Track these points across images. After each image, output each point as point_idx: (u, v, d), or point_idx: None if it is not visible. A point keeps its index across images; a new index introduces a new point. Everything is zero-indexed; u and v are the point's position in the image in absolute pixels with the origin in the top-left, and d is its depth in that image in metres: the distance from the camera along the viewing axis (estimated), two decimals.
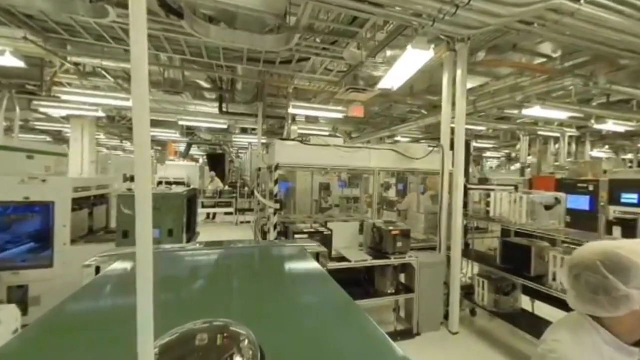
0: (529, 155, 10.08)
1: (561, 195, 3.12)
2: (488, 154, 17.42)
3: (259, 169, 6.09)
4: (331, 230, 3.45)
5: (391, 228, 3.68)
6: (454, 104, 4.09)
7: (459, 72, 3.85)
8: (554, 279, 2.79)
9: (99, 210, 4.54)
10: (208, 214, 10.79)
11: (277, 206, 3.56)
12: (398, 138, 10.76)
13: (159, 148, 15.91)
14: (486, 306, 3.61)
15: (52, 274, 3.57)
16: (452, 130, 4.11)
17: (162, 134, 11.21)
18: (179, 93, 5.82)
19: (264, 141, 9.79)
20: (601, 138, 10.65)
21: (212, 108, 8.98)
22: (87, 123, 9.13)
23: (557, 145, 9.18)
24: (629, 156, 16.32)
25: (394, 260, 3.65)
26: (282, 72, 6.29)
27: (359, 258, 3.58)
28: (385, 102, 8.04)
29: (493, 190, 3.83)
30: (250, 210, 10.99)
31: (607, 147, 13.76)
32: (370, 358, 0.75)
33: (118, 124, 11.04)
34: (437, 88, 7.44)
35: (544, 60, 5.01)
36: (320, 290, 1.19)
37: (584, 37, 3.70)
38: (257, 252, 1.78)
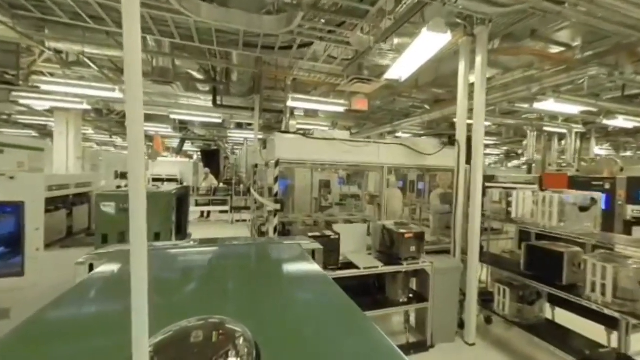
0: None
1: (597, 194, 2.80)
2: (487, 150, 17.22)
3: (256, 166, 5.70)
4: (338, 235, 3.09)
5: (403, 230, 3.34)
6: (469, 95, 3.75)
7: (478, 60, 3.49)
8: (593, 290, 2.48)
9: (80, 211, 4.12)
10: (202, 212, 10.36)
11: (278, 207, 3.18)
12: (399, 134, 10.42)
13: (150, 144, 15.39)
14: (507, 316, 3.30)
15: (24, 282, 3.17)
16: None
17: (153, 128, 10.72)
18: (169, 83, 5.38)
19: (260, 137, 9.41)
20: (606, 135, 10.43)
21: (206, 101, 8.54)
22: (72, 116, 8.61)
23: (563, 142, 8.92)
24: (628, 153, 16.24)
25: (406, 267, 3.31)
26: (281, 59, 5.89)
27: (369, 264, 3.23)
28: (389, 96, 7.68)
29: (514, 188, 3.50)
30: (247, 208, 10.60)
31: (608, 144, 13.62)
32: (363, 350, 0.76)
33: (107, 118, 10.51)
34: (444, 80, 7.10)
35: (562, 49, 4.68)
36: (315, 286, 1.19)
37: (613, 20, 3.38)
38: (253, 249, 1.74)
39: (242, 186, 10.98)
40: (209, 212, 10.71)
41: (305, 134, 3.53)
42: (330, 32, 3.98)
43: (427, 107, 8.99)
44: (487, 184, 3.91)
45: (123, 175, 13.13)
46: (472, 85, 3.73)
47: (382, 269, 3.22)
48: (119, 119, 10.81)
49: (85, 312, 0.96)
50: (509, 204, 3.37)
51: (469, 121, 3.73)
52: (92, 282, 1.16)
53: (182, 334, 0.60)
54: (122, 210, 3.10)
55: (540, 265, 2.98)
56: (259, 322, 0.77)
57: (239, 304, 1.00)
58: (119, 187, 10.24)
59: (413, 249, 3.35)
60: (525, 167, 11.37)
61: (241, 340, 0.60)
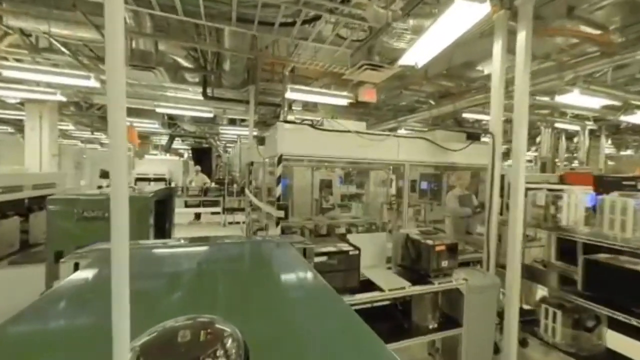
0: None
1: None
2: None
3: (251, 164, 5.04)
4: (358, 250, 2.47)
5: (433, 242, 2.75)
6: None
7: (520, 36, 2.92)
8: None
9: (39, 218, 3.42)
10: (196, 214, 9.65)
11: (281, 214, 2.56)
12: (402, 131, 9.87)
13: (138, 141, 14.54)
14: (559, 344, 2.74)
15: None
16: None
17: (139, 124, 9.95)
18: (151, 68, 4.69)
19: (255, 133, 8.74)
20: (615, 132, 10.06)
21: (195, 94, 7.84)
22: (46, 109, 7.81)
23: (575, 139, 8.49)
24: (629, 152, 16.05)
25: (438, 286, 2.72)
26: (280, 46, 5.25)
27: (393, 284, 2.63)
28: (396, 88, 7.10)
29: (560, 190, 2.95)
30: (240, 209, 9.92)
31: (609, 141, 13.34)
32: (354, 348, 0.75)
33: (87, 112, 9.70)
34: (456, 71, 6.56)
35: (598, 32, 4.15)
36: (305, 285, 1.18)
37: None
38: (243, 248, 1.72)
39: (235, 186, 10.29)
40: (199, 214, 9.99)
41: (313, 124, 2.91)
42: (343, 1, 3.35)
43: (431, 102, 8.48)
44: (530, 185, 3.35)
45: (104, 175, 12.32)
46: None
47: (410, 290, 2.63)
48: (101, 113, 10.00)
49: (68, 316, 0.90)
50: (557, 209, 2.80)
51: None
52: (75, 283, 1.09)
53: (169, 333, 0.59)
54: (83, 219, 2.43)
55: (608, 285, 2.43)
56: (248, 322, 0.76)
57: (227, 303, 0.98)
58: (100, 187, 9.45)
59: (445, 263, 2.76)
60: (531, 165, 10.96)
61: (230, 340, 0.59)
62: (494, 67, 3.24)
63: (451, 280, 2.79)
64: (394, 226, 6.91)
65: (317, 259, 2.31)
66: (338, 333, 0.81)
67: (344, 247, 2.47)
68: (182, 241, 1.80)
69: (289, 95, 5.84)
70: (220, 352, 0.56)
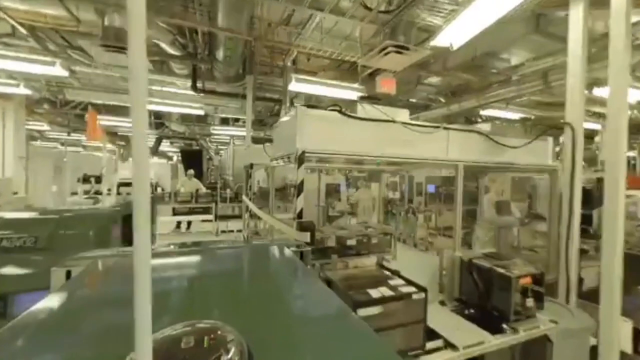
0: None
1: None
2: None
3: (251, 166, 4.20)
4: (424, 292, 1.67)
5: (514, 272, 1.98)
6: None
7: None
8: None
9: None
10: (178, 223, 8.69)
11: (306, 236, 1.74)
12: None
13: (122, 143, 13.49)
14: None
15: None
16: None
17: (122, 123, 9.00)
18: (126, 50, 3.84)
19: (251, 133, 7.85)
20: (637, 131, 9.54)
21: (184, 88, 6.99)
22: (10, 105, 6.82)
23: (597, 139, 7.93)
24: (630, 153, 15.74)
25: (524, 334, 1.95)
26: (280, 32, 4.46)
27: (468, 337, 1.85)
28: (409, 83, 6.40)
29: None
30: (235, 217, 9.04)
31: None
32: (358, 354, 0.73)
33: (62, 110, 8.71)
34: (482, 61, 5.90)
35: None
36: (305, 288, 1.15)
37: None
38: (239, 253, 1.67)
39: (228, 191, 9.40)
40: (189, 222, 9.05)
41: (341, 109, 2.12)
42: None
43: (441, 99, 7.81)
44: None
45: (85, 180, 11.25)
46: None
47: (494, 343, 1.84)
48: (79, 111, 9.02)
49: (59, 328, 0.81)
50: None
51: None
52: (69, 290, 1.02)
53: (173, 340, 0.58)
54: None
55: None
56: (250, 326, 0.73)
57: (228, 308, 0.96)
58: (74, 194, 8.44)
59: (530, 302, 2.00)
60: None
61: (233, 345, 0.58)
62: (571, 38, 2.52)
63: (537, 324, 2.03)
64: (407, 236, 6.18)
65: (365, 312, 1.51)
66: (340, 336, 0.80)
67: (402, 287, 1.67)
68: (178, 247, 1.73)
69: (293, 87, 5.04)
70: (224, 358, 0.55)
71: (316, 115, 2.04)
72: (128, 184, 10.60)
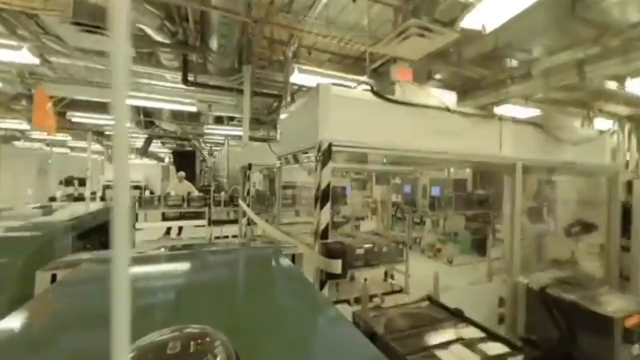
0: None
1: None
2: None
3: (249, 167, 3.64)
4: (521, 352, 1.14)
5: (611, 311, 1.46)
6: None
7: None
8: None
9: None
10: (169, 229, 8.05)
11: (337, 266, 1.20)
12: None
13: (109, 143, 12.77)
14: None
15: None
16: None
17: (103, 121, 8.35)
18: (102, 31, 3.26)
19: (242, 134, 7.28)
20: None
21: (175, 83, 6.41)
22: None
23: (614, 137, 7.53)
24: None
25: None
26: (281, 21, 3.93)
27: None
28: (419, 78, 5.90)
29: None
30: (230, 222, 8.46)
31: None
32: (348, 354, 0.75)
33: None
34: (505, 51, 5.43)
35: None
36: (296, 292, 1.14)
37: None
38: (231, 255, 1.64)
39: (223, 194, 8.80)
40: (180, 228, 8.42)
41: (375, 90, 1.59)
42: None
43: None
44: None
45: (68, 182, 10.53)
46: None
47: None
48: (60, 108, 8.33)
49: (44, 329, 0.82)
50: None
51: None
52: (55, 293, 1.02)
53: (158, 346, 0.56)
54: None
55: None
56: (239, 331, 0.74)
57: (216, 312, 0.93)
58: (52, 199, 7.75)
59: (637, 348, 1.48)
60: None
61: (221, 350, 0.57)
62: None
63: None
64: (412, 242, 5.67)
65: None
66: (331, 339, 0.80)
67: (483, 343, 1.14)
68: (168, 250, 1.71)
69: (296, 78, 4.51)
70: None
71: (345, 97, 1.51)
72: None
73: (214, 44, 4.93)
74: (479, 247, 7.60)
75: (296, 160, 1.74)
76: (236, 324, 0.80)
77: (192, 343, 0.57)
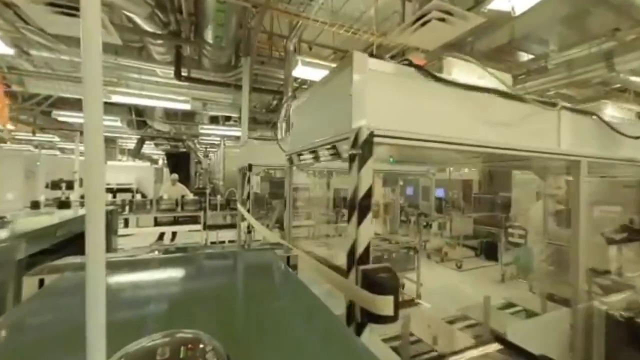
0: None
1: None
2: None
3: (249, 168, 3.27)
4: None
5: None
6: None
7: None
8: None
9: None
10: (162, 234, 7.61)
11: (389, 307, 0.82)
12: None
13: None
14: None
15: None
16: None
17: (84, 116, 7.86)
18: (75, 12, 2.86)
19: (239, 134, 6.79)
20: None
21: (168, 79, 6.01)
22: None
23: None
24: None
25: None
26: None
27: None
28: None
29: None
30: (227, 226, 8.05)
31: None
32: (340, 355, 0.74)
33: (24, 105, 7.56)
34: (520, 44, 5.14)
35: None
36: (291, 295, 1.11)
37: None
38: (224, 258, 1.61)
39: (219, 197, 8.39)
40: (174, 234, 7.97)
41: (418, 65, 1.22)
42: None
43: None
44: None
45: (55, 185, 10.01)
46: None
47: None
48: (46, 107, 7.88)
49: (35, 334, 0.80)
50: None
51: None
52: (41, 299, 0.99)
53: (146, 352, 0.55)
54: None
55: None
56: (232, 335, 0.74)
57: (209, 316, 0.91)
58: (35, 204, 7.26)
59: None
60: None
61: (212, 355, 0.56)
62: None
63: None
64: (418, 243, 5.30)
65: None
66: (325, 342, 0.79)
67: None
68: (161, 252, 1.71)
69: (299, 72, 4.15)
70: None
71: (384, 72, 1.13)
72: (107, 189, 9.39)
73: (209, 35, 4.55)
74: (488, 251, 7.31)
75: (315, 158, 1.36)
76: (229, 329, 0.79)
77: (182, 348, 0.56)
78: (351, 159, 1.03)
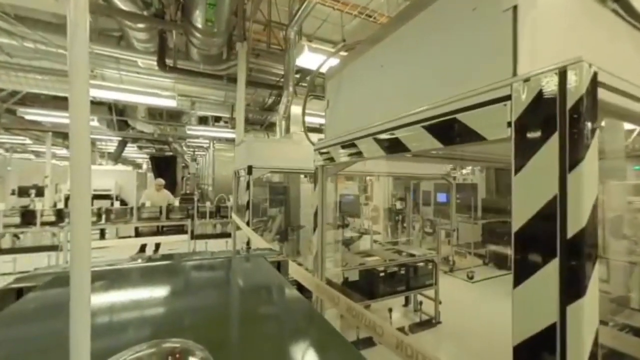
0: None
1: None
2: None
3: (249, 170, 2.66)
4: None
5: None
6: None
7: None
8: None
9: None
10: (143, 246, 6.82)
11: None
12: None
13: None
14: None
15: None
16: None
17: (62, 120, 7.10)
18: None
19: (228, 135, 6.09)
20: None
21: (151, 74, 5.34)
22: None
23: None
24: None
25: None
26: None
27: None
28: None
29: None
30: (217, 236, 7.38)
31: None
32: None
33: None
34: None
35: None
36: (281, 301, 1.12)
37: None
38: (213, 265, 1.56)
39: (208, 204, 7.70)
40: (157, 245, 7.21)
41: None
42: None
43: None
44: None
45: (23, 192, 9.06)
46: None
47: None
48: (12, 105, 7.03)
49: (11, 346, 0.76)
50: None
51: None
52: (20, 310, 0.95)
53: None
54: None
55: None
56: (222, 343, 0.73)
57: (198, 324, 0.89)
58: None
59: None
60: None
61: None
62: None
63: None
64: (437, 256, 4.78)
65: None
66: (318, 350, 0.78)
67: None
68: (149, 259, 1.63)
69: (304, 60, 3.59)
70: None
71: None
72: None
73: (198, 19, 3.95)
74: (499, 259, 6.90)
75: (392, 146, 0.78)
76: (218, 335, 0.79)
77: (169, 358, 0.56)
78: (530, 130, 0.46)
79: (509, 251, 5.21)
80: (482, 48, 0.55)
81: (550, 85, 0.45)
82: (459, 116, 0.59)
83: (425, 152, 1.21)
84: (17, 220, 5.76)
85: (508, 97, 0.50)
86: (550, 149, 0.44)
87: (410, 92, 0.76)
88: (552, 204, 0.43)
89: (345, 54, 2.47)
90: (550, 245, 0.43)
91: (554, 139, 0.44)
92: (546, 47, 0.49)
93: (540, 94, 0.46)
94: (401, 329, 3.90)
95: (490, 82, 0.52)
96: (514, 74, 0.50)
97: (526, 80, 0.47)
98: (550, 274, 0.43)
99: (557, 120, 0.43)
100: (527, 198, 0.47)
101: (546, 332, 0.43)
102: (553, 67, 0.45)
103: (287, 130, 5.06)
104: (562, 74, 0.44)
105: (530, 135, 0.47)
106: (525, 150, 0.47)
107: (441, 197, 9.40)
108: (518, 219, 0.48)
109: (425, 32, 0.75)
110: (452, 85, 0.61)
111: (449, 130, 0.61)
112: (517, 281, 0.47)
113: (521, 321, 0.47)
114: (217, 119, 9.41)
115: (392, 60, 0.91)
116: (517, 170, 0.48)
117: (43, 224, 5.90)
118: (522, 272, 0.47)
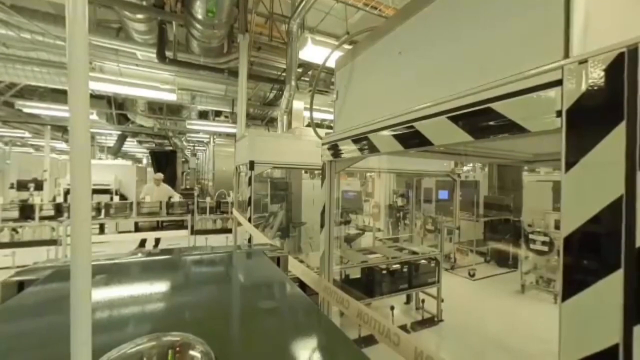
0: None
1: None
2: None
3: (251, 166, 2.60)
4: None
5: None
6: None
7: None
8: None
9: None
10: (143, 241, 6.78)
11: None
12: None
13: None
14: None
15: None
16: None
17: (61, 113, 7.02)
18: None
19: (229, 130, 6.04)
20: None
21: (151, 66, 5.25)
22: None
23: None
24: None
25: None
26: None
27: None
28: None
29: None
30: (217, 231, 7.34)
31: None
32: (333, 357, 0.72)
33: None
34: None
35: None
36: (280, 295, 1.12)
37: None
38: (213, 259, 1.56)
39: (208, 199, 7.65)
40: (157, 240, 7.16)
41: None
42: None
43: None
44: None
45: (22, 186, 9.01)
46: None
47: None
48: (9, 97, 6.94)
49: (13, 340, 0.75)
50: None
51: None
52: (20, 305, 0.93)
53: (132, 356, 0.54)
54: None
55: None
56: (222, 337, 0.72)
57: (198, 318, 0.88)
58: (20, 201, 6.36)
59: None
60: None
61: (200, 357, 0.55)
62: None
63: None
64: (440, 253, 4.74)
65: None
66: (317, 344, 0.78)
67: None
68: (149, 253, 1.59)
69: (308, 53, 3.50)
70: None
71: None
72: None
73: (199, 10, 3.85)
74: (500, 257, 6.87)
75: (409, 140, 0.72)
76: (218, 329, 0.78)
77: (170, 352, 0.55)
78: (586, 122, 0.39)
79: (511, 249, 5.20)
80: (525, 26, 0.49)
81: (615, 67, 0.38)
82: (494, 105, 0.52)
83: (451, 147, 1.14)
84: (15, 214, 5.71)
85: (558, 83, 0.43)
86: (615, 142, 0.38)
87: (434, 80, 0.70)
88: (617, 206, 0.37)
89: (349, 47, 2.39)
90: (613, 254, 0.38)
91: (620, 129, 0.37)
92: (605, 22, 0.42)
93: (601, 77, 0.39)
94: (403, 327, 3.87)
95: (535, 66, 0.46)
96: (566, 55, 0.43)
97: (582, 62, 0.41)
98: (612, 287, 0.38)
99: (625, 107, 0.37)
100: (582, 198, 0.41)
101: (606, 354, 0.37)
102: (618, 45, 0.38)
103: (289, 125, 4.99)
104: (633, 53, 0.37)
105: (587, 126, 0.40)
106: (580, 143, 0.41)
107: (442, 195, 9.34)
108: (569, 223, 0.42)
109: (454, 11, 0.68)
110: (486, 71, 0.55)
111: (481, 122, 0.55)
112: (568, 293, 0.41)
113: (573, 339, 0.41)
114: (218, 114, 9.32)
115: (413, 45, 0.83)
116: (569, 167, 0.42)
117: (42, 218, 5.86)
118: (574, 284, 0.41)
